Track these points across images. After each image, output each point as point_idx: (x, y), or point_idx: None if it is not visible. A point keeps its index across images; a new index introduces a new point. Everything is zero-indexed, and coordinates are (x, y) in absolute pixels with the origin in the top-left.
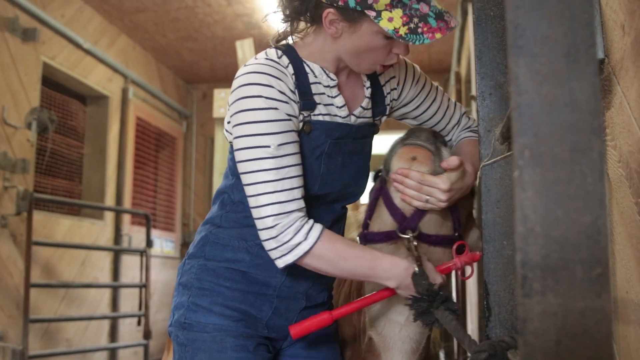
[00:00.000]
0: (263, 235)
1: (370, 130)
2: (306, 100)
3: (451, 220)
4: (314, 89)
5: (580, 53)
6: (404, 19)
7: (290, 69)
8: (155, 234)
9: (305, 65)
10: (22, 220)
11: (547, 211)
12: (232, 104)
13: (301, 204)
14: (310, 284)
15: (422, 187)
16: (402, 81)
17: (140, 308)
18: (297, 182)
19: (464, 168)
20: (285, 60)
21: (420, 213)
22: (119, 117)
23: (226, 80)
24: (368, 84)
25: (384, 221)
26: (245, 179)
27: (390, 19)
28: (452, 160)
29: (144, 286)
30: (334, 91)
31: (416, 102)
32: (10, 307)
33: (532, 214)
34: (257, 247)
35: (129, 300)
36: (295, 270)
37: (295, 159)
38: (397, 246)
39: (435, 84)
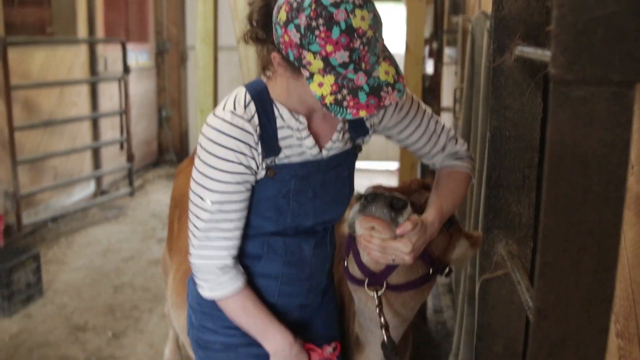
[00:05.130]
0: (191, 264)
1: (347, 156)
2: (270, 148)
3: (422, 262)
4: (281, 133)
5: None
6: (334, 87)
7: (255, 120)
8: (129, 47)
9: (275, 108)
10: None
11: None
12: (198, 145)
13: (227, 253)
14: (304, 298)
15: (386, 249)
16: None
17: (121, 134)
18: (227, 235)
19: (424, 225)
20: (252, 108)
21: (388, 270)
22: None
23: None
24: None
25: (354, 269)
26: (189, 208)
27: (321, 84)
28: (405, 227)
29: (124, 112)
30: (304, 133)
31: (399, 128)
32: None
33: None
34: (245, 267)
35: (109, 119)
36: (288, 288)
37: (233, 217)
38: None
39: (424, 106)
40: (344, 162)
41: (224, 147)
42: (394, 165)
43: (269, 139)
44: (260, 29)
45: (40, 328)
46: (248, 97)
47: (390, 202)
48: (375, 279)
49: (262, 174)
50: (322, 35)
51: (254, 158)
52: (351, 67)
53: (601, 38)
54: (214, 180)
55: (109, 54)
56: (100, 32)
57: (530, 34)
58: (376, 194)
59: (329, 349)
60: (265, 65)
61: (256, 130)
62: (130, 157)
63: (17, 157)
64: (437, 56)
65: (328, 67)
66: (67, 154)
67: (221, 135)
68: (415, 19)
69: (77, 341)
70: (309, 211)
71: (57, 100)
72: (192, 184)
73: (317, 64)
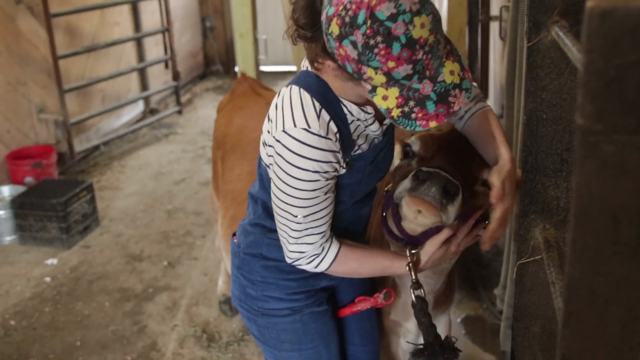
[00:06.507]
0: (287, 259)
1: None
2: (348, 147)
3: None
4: (352, 127)
5: None
6: (399, 100)
7: (333, 128)
8: None
9: (342, 106)
10: None
11: None
12: (276, 164)
13: (321, 238)
14: None
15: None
16: None
17: (165, 52)
18: (320, 229)
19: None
20: (325, 117)
21: (428, 233)
22: None
23: None
24: None
25: (394, 227)
26: (275, 217)
27: (385, 97)
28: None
29: (166, 30)
30: (370, 120)
31: None
32: (43, 78)
33: None
34: None
35: (152, 37)
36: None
37: (324, 218)
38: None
39: None
40: (391, 125)
41: (308, 171)
42: None
43: (346, 140)
44: (308, 29)
45: (99, 259)
46: (317, 105)
47: (444, 187)
48: (413, 239)
49: (342, 170)
50: (382, 52)
51: (338, 164)
52: (415, 77)
53: (634, 85)
54: (302, 199)
55: None
56: None
57: (569, 9)
58: (430, 173)
59: (381, 297)
60: (314, 59)
61: (335, 139)
62: (175, 76)
63: (64, 85)
64: None
65: (391, 81)
66: (113, 77)
67: (302, 159)
68: None
69: (134, 271)
70: (375, 180)
71: (99, 22)
72: (277, 201)
73: (379, 78)
